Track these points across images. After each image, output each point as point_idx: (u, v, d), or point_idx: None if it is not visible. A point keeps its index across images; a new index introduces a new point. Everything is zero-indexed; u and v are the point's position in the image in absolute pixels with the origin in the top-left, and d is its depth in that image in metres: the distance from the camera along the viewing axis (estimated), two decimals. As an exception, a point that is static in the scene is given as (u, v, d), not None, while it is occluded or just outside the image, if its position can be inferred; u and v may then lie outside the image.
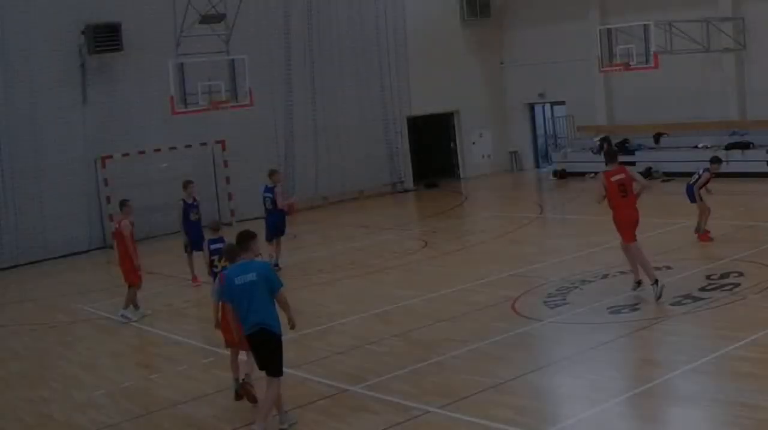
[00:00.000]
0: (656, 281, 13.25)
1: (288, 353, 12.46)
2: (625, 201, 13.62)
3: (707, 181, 17.47)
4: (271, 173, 18.71)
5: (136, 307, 15.61)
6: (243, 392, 10.65)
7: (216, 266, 12.72)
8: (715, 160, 17.94)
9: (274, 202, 18.24)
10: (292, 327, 9.81)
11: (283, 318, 9.69)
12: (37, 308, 17.69)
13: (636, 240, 13.58)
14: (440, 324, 13.40)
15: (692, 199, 17.48)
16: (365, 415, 9.94)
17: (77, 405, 11.38)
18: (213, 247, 13.24)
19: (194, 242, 17.31)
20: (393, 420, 9.66)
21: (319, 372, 11.54)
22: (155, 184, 24.53)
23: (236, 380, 10.89)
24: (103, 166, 23.91)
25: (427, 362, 11.53)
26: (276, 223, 18.36)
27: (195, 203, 17.94)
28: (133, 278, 15.45)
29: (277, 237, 18.40)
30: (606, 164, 14.17)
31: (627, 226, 13.63)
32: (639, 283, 13.81)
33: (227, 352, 11.20)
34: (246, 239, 9.63)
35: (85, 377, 12.67)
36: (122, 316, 15.43)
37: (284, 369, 9.79)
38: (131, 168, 24.39)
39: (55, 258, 23.01)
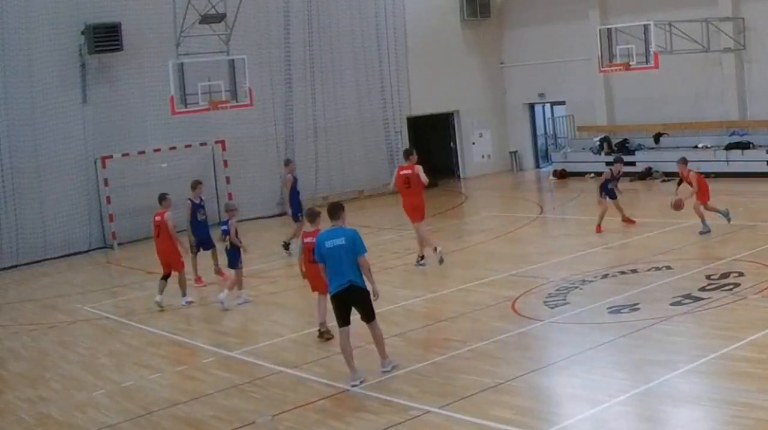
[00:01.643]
0: (435, 248, 17.13)
1: (288, 353, 12.58)
2: (408, 191, 17.30)
3: (610, 178, 19.45)
4: (287, 163, 21.10)
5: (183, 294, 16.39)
6: (324, 333, 12.99)
7: (225, 241, 15.84)
8: (618, 160, 20.33)
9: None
10: (376, 298, 11.05)
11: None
12: (37, 308, 17.67)
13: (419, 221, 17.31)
14: (440, 324, 13.41)
15: (610, 196, 19.42)
16: (365, 415, 9.94)
17: (77, 405, 11.38)
18: (222, 228, 16.15)
19: (202, 242, 17.81)
20: (393, 420, 9.65)
21: (319, 372, 11.53)
22: (155, 184, 24.49)
23: (321, 323, 13.02)
24: (103, 166, 23.89)
25: (427, 362, 11.53)
26: (295, 202, 20.03)
27: (202, 203, 18.06)
28: (180, 265, 16.23)
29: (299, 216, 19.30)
30: (404, 159, 17.73)
31: (410, 210, 17.38)
32: (422, 257, 17.38)
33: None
34: (336, 209, 11.24)
35: (85, 377, 12.66)
36: (187, 303, 16.22)
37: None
38: (131, 168, 24.38)
39: (55, 258, 23.00)
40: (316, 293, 12.96)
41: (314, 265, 12.09)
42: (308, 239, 12.67)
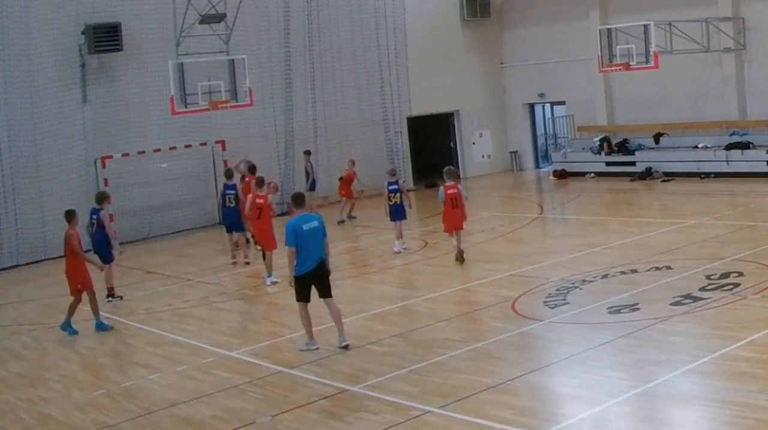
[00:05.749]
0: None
1: (288, 354, 12.61)
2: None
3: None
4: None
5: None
6: (459, 255, 17.31)
7: (391, 200, 19.01)
8: (306, 153, 25.47)
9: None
10: (329, 274, 12.57)
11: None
12: (37, 308, 17.67)
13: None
14: (440, 324, 13.40)
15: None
16: (365, 415, 9.93)
17: (77, 405, 11.37)
18: (390, 187, 19.09)
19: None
20: (393, 420, 9.65)
21: (319, 372, 11.54)
22: (155, 184, 24.53)
23: (456, 248, 17.32)
24: (104, 166, 23.88)
25: (427, 362, 11.53)
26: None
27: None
28: (272, 244, 17.23)
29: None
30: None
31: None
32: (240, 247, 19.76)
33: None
34: (302, 197, 12.77)
35: (85, 377, 12.67)
36: (272, 282, 17.08)
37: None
38: (131, 168, 24.37)
39: (55, 258, 22.95)
40: (448, 232, 17.46)
41: (454, 210, 17.22)
42: (450, 191, 17.23)
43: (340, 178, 25.29)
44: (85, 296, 14.99)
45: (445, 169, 17.96)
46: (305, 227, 12.17)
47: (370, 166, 29.35)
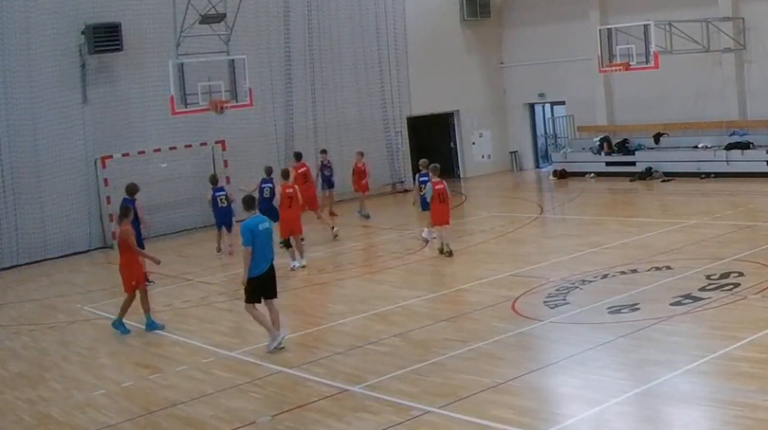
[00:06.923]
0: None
1: (288, 353, 12.60)
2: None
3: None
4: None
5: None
6: (447, 251, 18.10)
7: (422, 191, 19.14)
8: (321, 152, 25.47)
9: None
10: None
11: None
12: (37, 308, 17.66)
13: None
14: (440, 324, 13.41)
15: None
16: (365, 415, 9.93)
17: (77, 405, 11.37)
18: (422, 179, 19.57)
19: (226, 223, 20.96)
20: (393, 420, 9.66)
21: (319, 372, 11.54)
22: (155, 184, 24.50)
23: (441, 245, 18.24)
24: (103, 166, 23.86)
25: (427, 362, 11.53)
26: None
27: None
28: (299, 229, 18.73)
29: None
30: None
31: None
32: None
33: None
34: (252, 200, 13.01)
35: (85, 377, 12.66)
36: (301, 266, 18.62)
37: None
38: (131, 168, 24.30)
39: (55, 258, 22.99)
40: (436, 226, 18.19)
41: (441, 205, 17.96)
42: (438, 187, 18.10)
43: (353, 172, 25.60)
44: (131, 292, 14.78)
45: (431, 165, 18.71)
46: (260, 228, 12.46)
47: (370, 167, 29.33)
